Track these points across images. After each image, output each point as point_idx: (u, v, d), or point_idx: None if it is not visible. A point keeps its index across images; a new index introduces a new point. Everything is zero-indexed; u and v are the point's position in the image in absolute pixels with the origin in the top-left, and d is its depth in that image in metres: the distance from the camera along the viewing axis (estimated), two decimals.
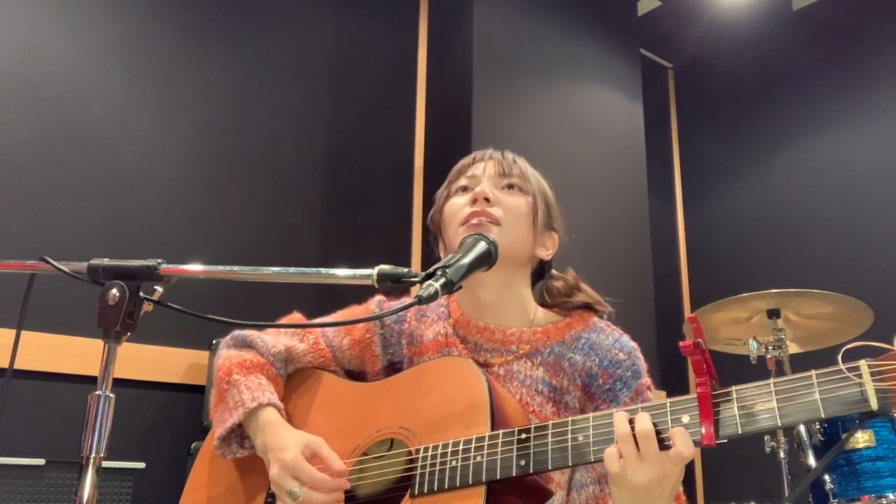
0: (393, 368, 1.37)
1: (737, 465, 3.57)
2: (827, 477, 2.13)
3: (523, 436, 1.06)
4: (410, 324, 1.38)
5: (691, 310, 4.06)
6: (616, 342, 1.26)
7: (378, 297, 1.41)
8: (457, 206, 1.31)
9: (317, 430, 1.22)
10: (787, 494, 2.25)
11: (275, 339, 1.34)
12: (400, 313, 1.37)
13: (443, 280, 1.01)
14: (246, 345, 1.33)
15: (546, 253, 1.35)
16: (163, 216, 2.52)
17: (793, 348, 2.52)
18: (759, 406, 0.94)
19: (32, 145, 2.32)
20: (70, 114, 2.40)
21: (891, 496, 2.03)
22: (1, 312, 2.06)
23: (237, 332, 1.36)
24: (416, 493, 1.10)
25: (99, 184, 2.41)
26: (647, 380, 1.25)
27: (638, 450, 0.96)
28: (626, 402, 1.21)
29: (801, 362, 2.47)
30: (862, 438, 2.09)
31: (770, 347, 2.40)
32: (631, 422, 0.98)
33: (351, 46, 3.15)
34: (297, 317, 1.41)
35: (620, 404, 1.20)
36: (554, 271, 1.42)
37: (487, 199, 1.27)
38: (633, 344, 1.28)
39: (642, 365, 1.26)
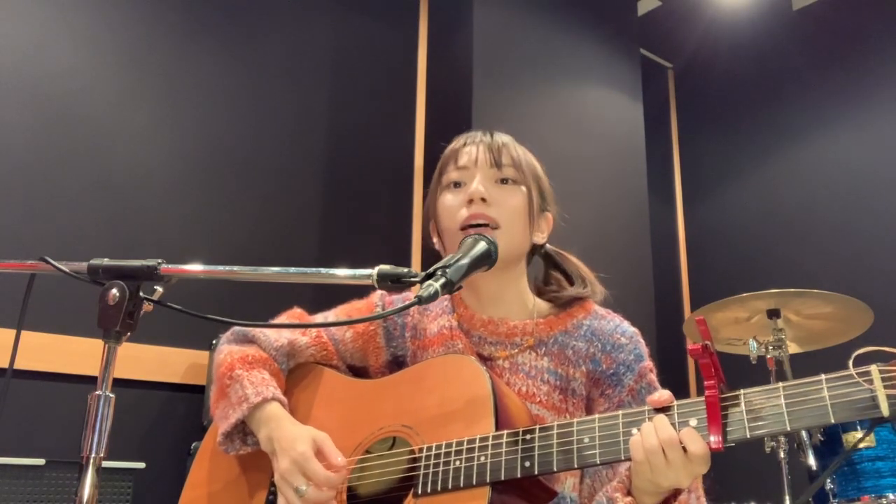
0: (396, 363, 1.37)
1: (737, 465, 3.56)
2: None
3: (528, 436, 1.05)
4: (414, 317, 1.38)
5: (691, 310, 4.05)
6: (617, 328, 1.28)
7: (380, 290, 1.40)
8: (453, 206, 1.28)
9: (319, 427, 1.22)
10: (787, 499, 2.24)
11: (277, 333, 1.34)
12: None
13: (443, 280, 1.01)
14: (248, 339, 1.33)
15: (542, 237, 1.35)
16: (162, 216, 2.52)
17: (793, 348, 2.52)
18: (768, 410, 0.92)
19: (32, 145, 2.31)
20: (70, 113, 2.40)
21: (891, 496, 2.02)
22: (1, 312, 2.06)
23: (238, 327, 1.36)
24: (420, 492, 1.10)
25: (99, 184, 2.41)
26: (649, 363, 1.26)
27: (666, 459, 0.96)
28: (630, 384, 1.22)
29: (802, 362, 2.48)
30: None
31: (770, 347, 2.40)
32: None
33: (351, 47, 3.15)
34: (297, 312, 1.41)
35: (625, 388, 1.22)
36: (558, 251, 1.41)
37: (484, 200, 1.24)
38: (633, 329, 1.29)
39: (644, 348, 1.27)
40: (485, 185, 1.26)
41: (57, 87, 2.39)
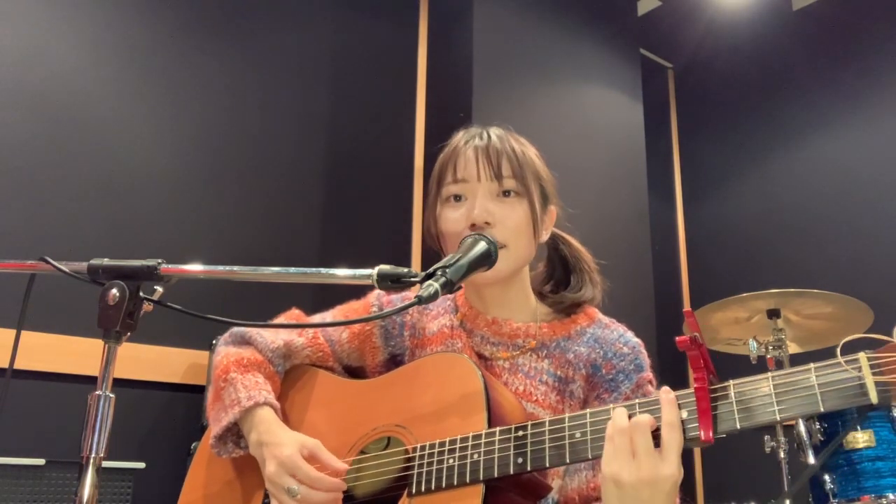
0: (394, 362, 1.37)
1: (737, 465, 3.57)
2: (827, 477, 2.13)
3: (520, 433, 1.05)
4: (413, 316, 1.38)
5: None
6: (621, 337, 1.28)
7: (377, 291, 1.40)
8: (457, 225, 1.25)
9: (313, 429, 1.22)
10: (787, 499, 2.25)
11: (274, 335, 1.34)
12: None
13: (443, 280, 1.01)
14: (245, 341, 1.33)
15: (546, 234, 1.34)
16: (163, 216, 2.52)
17: (793, 348, 2.52)
18: (758, 401, 0.92)
19: (32, 145, 2.31)
20: (70, 113, 2.40)
21: (891, 496, 2.02)
22: (1, 312, 2.06)
23: (236, 329, 1.36)
24: (414, 492, 1.10)
25: (99, 184, 2.41)
26: (649, 374, 1.26)
27: (631, 445, 0.95)
28: (627, 393, 1.22)
29: (802, 362, 2.48)
30: (862, 438, 2.09)
31: (770, 347, 2.40)
32: (630, 417, 0.97)
33: (351, 46, 3.15)
34: (296, 313, 1.40)
35: (621, 395, 1.22)
36: (562, 236, 1.40)
37: (487, 223, 1.22)
38: (637, 340, 1.29)
39: (645, 360, 1.27)
40: (486, 204, 1.23)
41: (58, 87, 2.39)
